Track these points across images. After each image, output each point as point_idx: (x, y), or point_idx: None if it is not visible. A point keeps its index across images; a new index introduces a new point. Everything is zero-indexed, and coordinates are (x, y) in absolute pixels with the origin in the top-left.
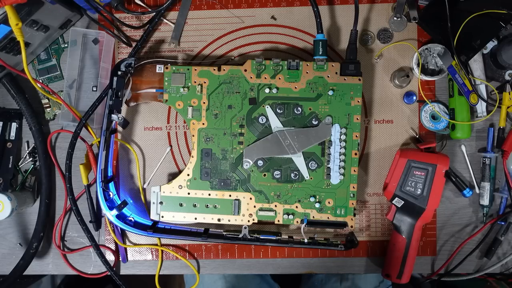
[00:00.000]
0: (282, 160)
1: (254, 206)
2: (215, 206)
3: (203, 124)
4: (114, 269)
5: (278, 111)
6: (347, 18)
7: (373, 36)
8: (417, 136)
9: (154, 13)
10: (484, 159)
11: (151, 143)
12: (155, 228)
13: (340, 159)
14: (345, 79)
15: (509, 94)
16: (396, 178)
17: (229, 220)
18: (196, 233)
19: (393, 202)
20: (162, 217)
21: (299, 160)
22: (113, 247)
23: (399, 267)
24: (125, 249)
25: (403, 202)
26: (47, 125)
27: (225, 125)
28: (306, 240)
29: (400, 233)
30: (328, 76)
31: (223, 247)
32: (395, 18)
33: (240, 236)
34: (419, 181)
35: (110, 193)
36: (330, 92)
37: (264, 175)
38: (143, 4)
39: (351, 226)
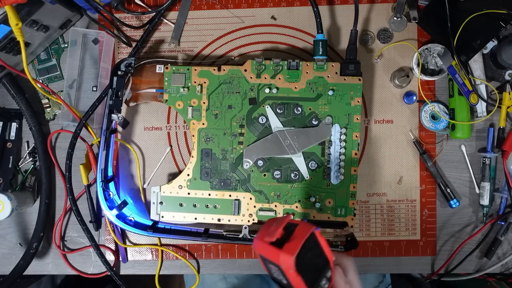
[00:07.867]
0: (282, 160)
1: (254, 206)
2: (215, 206)
3: (203, 124)
4: (114, 269)
5: (278, 111)
6: (347, 18)
7: (373, 36)
8: (414, 141)
9: (154, 13)
10: (484, 159)
11: (151, 143)
12: (155, 228)
13: (340, 159)
14: (345, 79)
15: (509, 94)
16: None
17: (229, 220)
18: (196, 233)
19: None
20: (162, 217)
21: (299, 160)
22: (113, 247)
23: None
24: (125, 249)
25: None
26: (47, 125)
27: (225, 125)
28: None
29: None
30: (328, 76)
31: (223, 247)
32: (395, 18)
33: (240, 236)
34: (280, 274)
35: (110, 193)
36: (330, 92)
37: (264, 175)
38: (143, 4)
39: (351, 226)
